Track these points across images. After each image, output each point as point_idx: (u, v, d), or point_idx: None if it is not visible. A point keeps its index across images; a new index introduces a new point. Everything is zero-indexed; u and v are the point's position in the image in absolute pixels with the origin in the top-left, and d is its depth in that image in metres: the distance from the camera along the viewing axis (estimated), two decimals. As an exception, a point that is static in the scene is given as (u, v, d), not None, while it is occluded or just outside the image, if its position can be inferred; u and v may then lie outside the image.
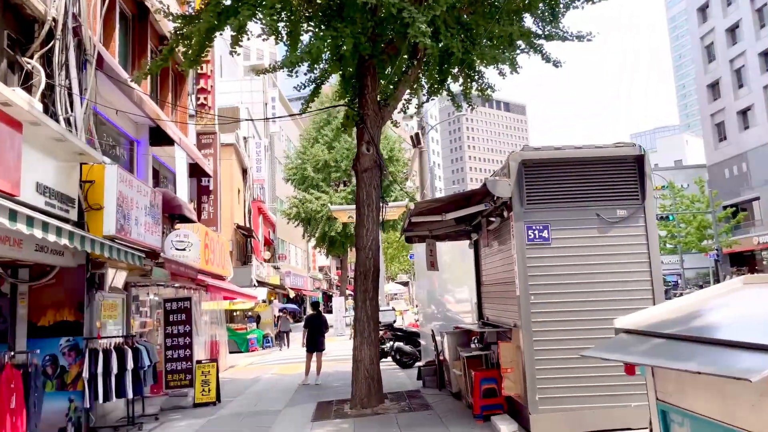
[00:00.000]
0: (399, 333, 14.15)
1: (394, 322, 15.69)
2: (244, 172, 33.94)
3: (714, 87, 52.12)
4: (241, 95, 39.36)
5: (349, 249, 42.20)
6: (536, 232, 6.69)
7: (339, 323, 28.57)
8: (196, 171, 18.59)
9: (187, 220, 13.83)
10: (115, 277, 10.74)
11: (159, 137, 14.74)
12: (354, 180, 37.15)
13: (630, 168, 6.81)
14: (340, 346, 21.94)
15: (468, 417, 7.95)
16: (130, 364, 9.12)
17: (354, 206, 31.70)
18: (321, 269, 58.60)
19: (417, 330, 14.96)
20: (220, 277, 17.95)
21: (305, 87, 11.36)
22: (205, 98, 19.50)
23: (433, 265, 9.41)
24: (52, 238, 6.17)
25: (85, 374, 8.68)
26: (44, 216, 6.53)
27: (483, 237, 8.69)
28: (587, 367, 6.48)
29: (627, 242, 6.70)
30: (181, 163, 15.43)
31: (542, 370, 6.47)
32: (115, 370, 8.94)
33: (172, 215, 13.13)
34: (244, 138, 34.95)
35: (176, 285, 13.90)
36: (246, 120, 13.06)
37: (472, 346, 8.98)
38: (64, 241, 6.46)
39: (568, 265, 6.68)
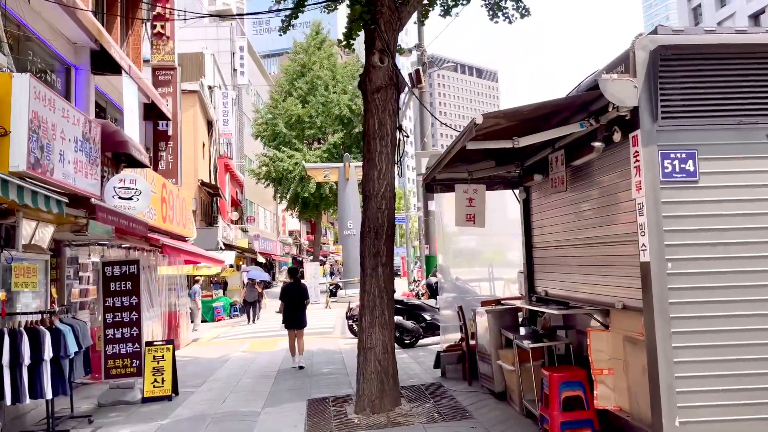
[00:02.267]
0: (399, 306, 11.72)
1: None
2: (210, 124, 30.81)
3: (701, 51, 50.51)
4: (206, 43, 35.79)
5: (322, 212, 39.56)
6: (676, 162, 4.25)
7: (314, 290, 26.29)
8: (152, 112, 15.71)
9: (138, 165, 11.04)
10: (36, 233, 8.04)
11: (103, 63, 11.90)
12: (330, 138, 34.88)
13: (820, 66, 4.40)
14: (316, 315, 19.60)
15: (534, 434, 5.61)
16: (48, 352, 6.55)
17: (331, 165, 28.76)
18: (291, 233, 55.90)
19: (418, 302, 12.61)
20: (181, 238, 15.30)
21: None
22: (163, 27, 16.43)
23: (472, 218, 6.92)
24: None
25: (-17, 366, 6.12)
26: None
27: (550, 180, 6.21)
28: (756, 375, 4.17)
29: (815, 181, 4.33)
30: (131, 95, 12.50)
31: (686, 380, 4.11)
32: (26, 360, 6.41)
33: (116, 155, 10.34)
34: (210, 87, 31.68)
35: (125, 245, 11.23)
36: (215, 16, 10.31)
37: (522, 331, 6.61)
38: None
39: (726, 216, 4.28)
